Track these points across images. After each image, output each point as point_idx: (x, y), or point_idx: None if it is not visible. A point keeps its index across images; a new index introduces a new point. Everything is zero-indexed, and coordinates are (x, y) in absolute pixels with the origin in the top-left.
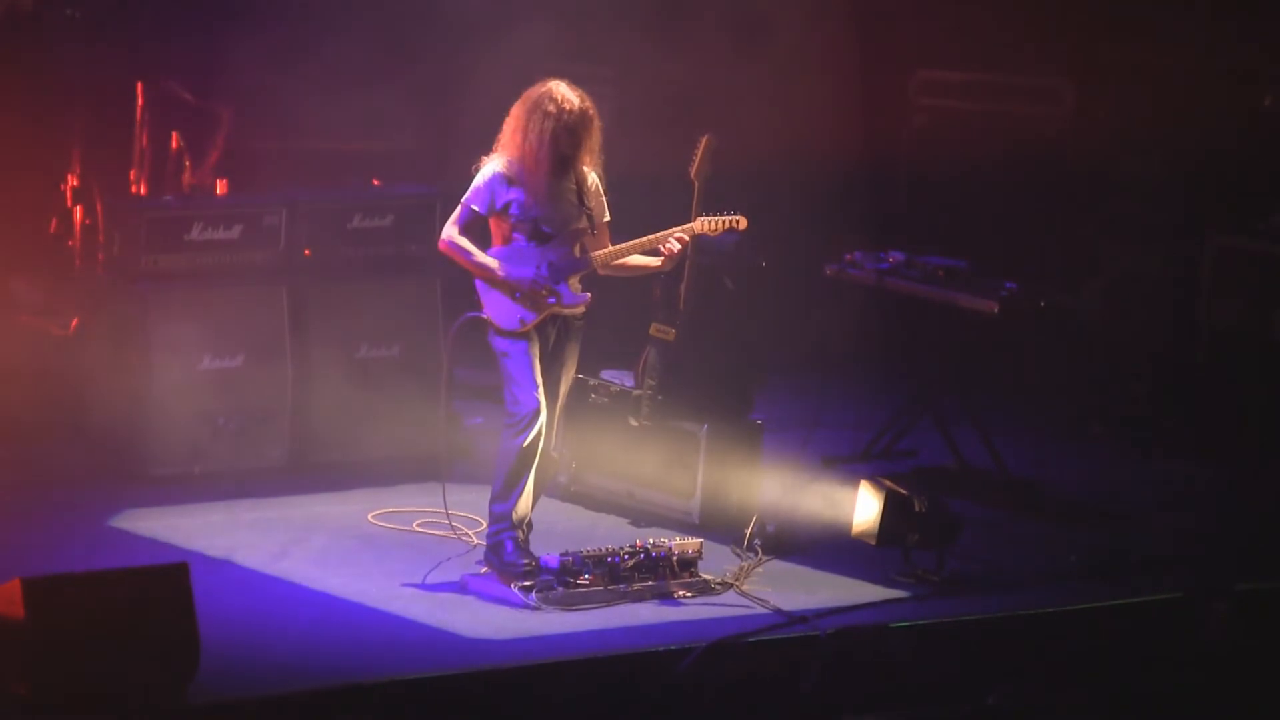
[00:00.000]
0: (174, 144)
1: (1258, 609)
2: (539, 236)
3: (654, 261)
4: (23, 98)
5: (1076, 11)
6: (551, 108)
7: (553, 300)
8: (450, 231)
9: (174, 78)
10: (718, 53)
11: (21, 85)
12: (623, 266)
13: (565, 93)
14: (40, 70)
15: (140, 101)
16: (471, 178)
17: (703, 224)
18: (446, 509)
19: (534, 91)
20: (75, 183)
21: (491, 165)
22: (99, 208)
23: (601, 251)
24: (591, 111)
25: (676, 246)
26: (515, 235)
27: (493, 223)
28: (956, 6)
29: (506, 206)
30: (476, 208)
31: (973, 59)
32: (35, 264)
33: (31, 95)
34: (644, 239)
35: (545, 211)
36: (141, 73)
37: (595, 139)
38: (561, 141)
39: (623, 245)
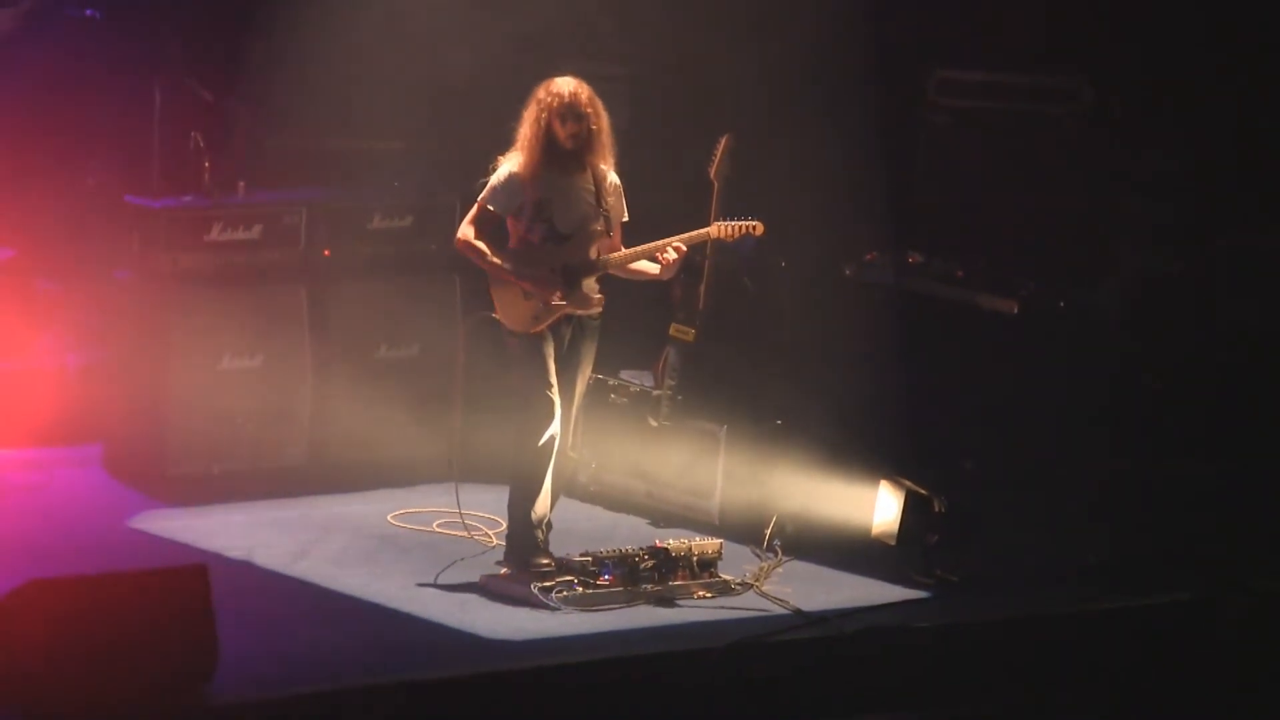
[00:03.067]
0: (194, 143)
1: (1274, 609)
2: (555, 237)
3: (653, 268)
4: (43, 97)
5: (1093, 10)
6: (543, 94)
7: (564, 302)
8: (466, 231)
9: (194, 77)
10: (736, 52)
11: (41, 85)
12: (628, 270)
13: (559, 80)
14: (60, 70)
15: (160, 101)
16: (489, 177)
17: (719, 229)
18: (460, 509)
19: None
20: (95, 183)
21: (506, 165)
22: (119, 208)
23: (614, 255)
24: (583, 98)
25: (672, 256)
26: (531, 235)
27: (509, 222)
28: (975, 6)
29: (521, 206)
30: (491, 207)
31: (991, 58)
32: (55, 264)
33: (51, 95)
34: (650, 245)
35: (559, 210)
36: (161, 72)
37: (595, 128)
38: (552, 127)
39: (632, 250)
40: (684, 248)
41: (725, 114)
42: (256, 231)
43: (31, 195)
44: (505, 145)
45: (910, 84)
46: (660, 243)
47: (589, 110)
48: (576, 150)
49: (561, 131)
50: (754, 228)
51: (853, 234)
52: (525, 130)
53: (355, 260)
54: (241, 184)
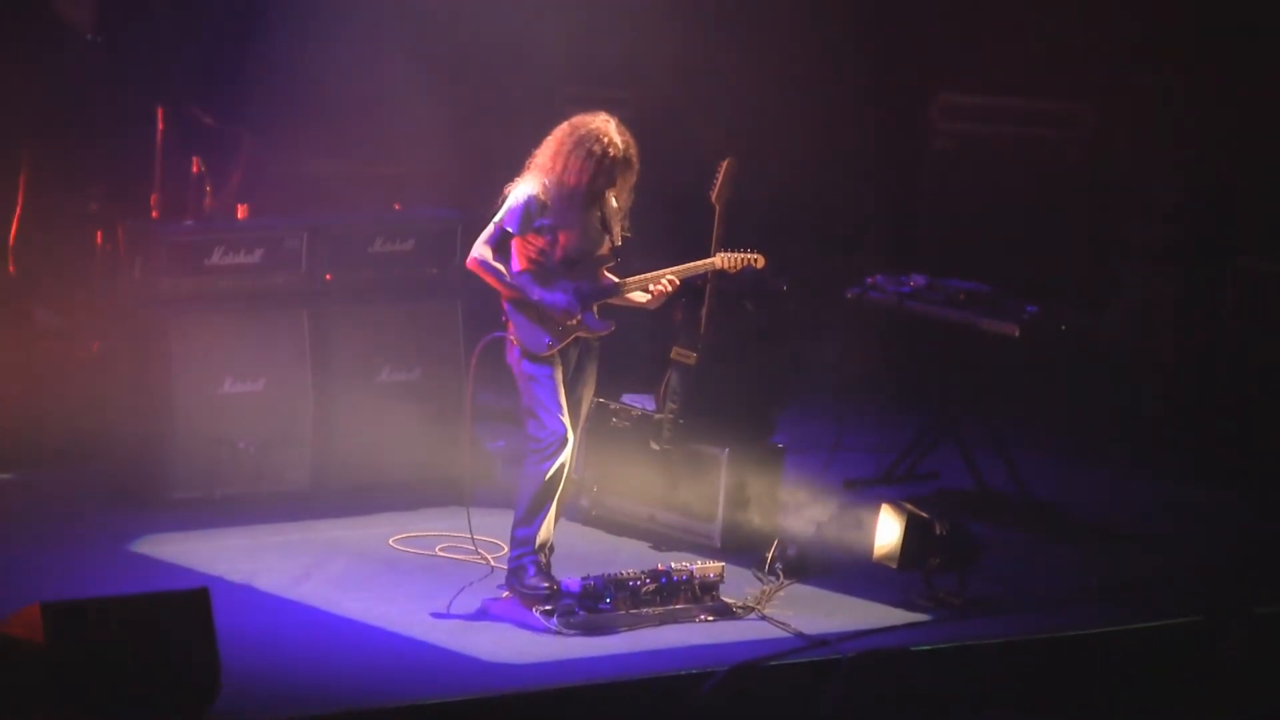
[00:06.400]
0: (195, 168)
1: (1277, 633)
2: (566, 261)
3: (642, 298)
4: (44, 123)
5: (1096, 35)
6: (597, 148)
7: (581, 325)
8: (483, 251)
9: (194, 102)
10: (737, 75)
11: (43, 111)
12: (621, 298)
13: (614, 136)
14: (62, 95)
15: (161, 126)
16: (501, 197)
17: (723, 259)
18: (471, 533)
19: (583, 123)
20: (96, 207)
21: (525, 187)
22: (120, 232)
23: (628, 280)
24: (635, 156)
25: (666, 288)
26: (542, 258)
27: (517, 244)
28: (977, 31)
29: (540, 230)
30: (510, 229)
31: (994, 83)
32: (57, 288)
33: (53, 120)
34: (651, 274)
35: (574, 235)
36: (162, 97)
37: (632, 179)
38: (599, 182)
39: (636, 277)
40: (678, 281)
41: (727, 138)
42: (258, 256)
43: (32, 220)
44: (509, 167)
45: (913, 108)
46: (660, 273)
47: (635, 166)
48: (604, 194)
49: (605, 184)
50: (755, 260)
51: (855, 256)
52: (565, 167)
53: (357, 284)
54: (242, 208)
